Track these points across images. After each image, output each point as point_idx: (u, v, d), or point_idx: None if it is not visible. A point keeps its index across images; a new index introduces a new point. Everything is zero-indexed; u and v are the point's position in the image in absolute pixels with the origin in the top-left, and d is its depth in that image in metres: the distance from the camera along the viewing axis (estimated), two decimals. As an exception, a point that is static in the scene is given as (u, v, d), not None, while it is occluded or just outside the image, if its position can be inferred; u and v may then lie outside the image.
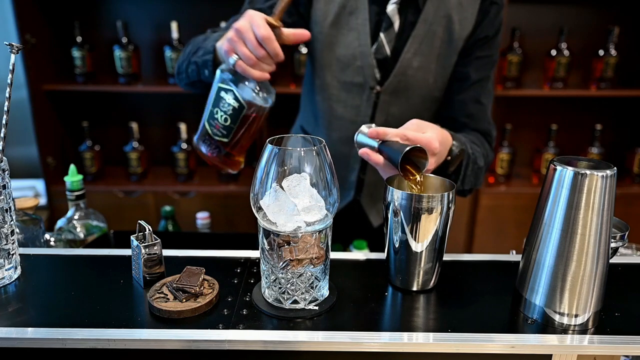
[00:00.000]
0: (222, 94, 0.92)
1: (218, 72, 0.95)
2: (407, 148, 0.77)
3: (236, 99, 0.91)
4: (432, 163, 0.86)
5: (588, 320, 0.67)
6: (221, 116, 0.93)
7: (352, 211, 1.35)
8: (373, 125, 0.90)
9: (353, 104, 1.21)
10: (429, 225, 0.71)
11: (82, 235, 1.07)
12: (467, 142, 1.05)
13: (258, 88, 0.93)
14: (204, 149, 1.00)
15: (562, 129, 2.47)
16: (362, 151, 0.87)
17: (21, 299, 0.72)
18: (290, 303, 0.70)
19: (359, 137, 0.90)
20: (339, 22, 1.14)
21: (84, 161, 2.36)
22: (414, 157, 0.81)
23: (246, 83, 0.92)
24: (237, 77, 0.92)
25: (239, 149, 0.99)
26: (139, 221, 0.76)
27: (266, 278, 0.71)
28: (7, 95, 0.74)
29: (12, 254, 0.76)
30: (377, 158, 0.85)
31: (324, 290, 0.72)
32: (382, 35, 1.13)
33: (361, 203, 1.34)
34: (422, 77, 1.16)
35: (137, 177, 2.40)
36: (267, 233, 0.67)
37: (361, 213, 1.35)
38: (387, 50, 1.15)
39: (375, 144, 0.86)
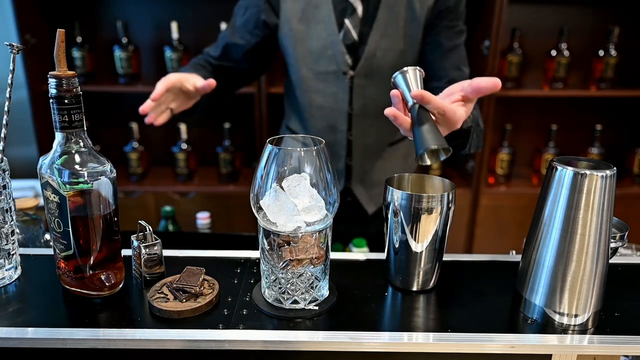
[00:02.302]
0: (43, 192, 0.70)
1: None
2: (434, 147, 0.71)
3: (54, 191, 0.68)
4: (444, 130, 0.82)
5: (588, 320, 0.67)
6: (55, 222, 0.70)
7: (345, 201, 1.37)
8: (419, 71, 0.77)
9: (330, 91, 1.26)
10: (429, 225, 0.72)
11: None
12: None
13: (78, 166, 0.68)
14: (64, 279, 0.74)
15: (562, 129, 2.47)
16: (390, 112, 0.76)
17: (21, 299, 0.72)
18: (290, 303, 0.70)
19: (398, 79, 0.77)
20: (306, 17, 1.22)
21: (84, 161, 2.36)
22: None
23: (61, 166, 0.68)
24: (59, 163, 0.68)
25: (94, 261, 0.71)
26: (139, 221, 0.76)
27: (266, 278, 0.71)
28: (7, 95, 0.74)
29: (12, 254, 0.76)
30: (404, 122, 0.76)
31: (324, 290, 0.72)
32: (347, 21, 1.21)
33: (353, 190, 1.36)
34: (392, 57, 1.22)
35: (137, 177, 2.40)
36: (267, 233, 0.67)
37: (355, 201, 1.37)
38: (354, 35, 1.21)
39: (410, 99, 0.76)
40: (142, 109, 1.05)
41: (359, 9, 1.20)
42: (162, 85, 1.05)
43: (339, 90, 1.25)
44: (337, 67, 1.23)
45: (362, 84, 1.24)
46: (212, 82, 1.09)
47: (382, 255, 0.80)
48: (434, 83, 1.26)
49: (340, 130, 1.30)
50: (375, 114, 1.28)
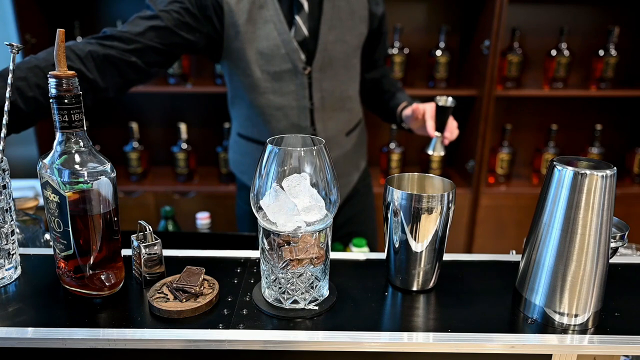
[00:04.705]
0: (43, 192, 0.69)
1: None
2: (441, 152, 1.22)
3: (54, 191, 0.67)
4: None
5: (588, 320, 0.67)
6: (55, 222, 0.69)
7: None
8: (450, 100, 1.18)
9: (288, 90, 1.26)
10: (429, 225, 0.72)
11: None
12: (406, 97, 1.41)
13: (78, 166, 0.67)
14: (64, 279, 0.73)
15: (562, 129, 2.47)
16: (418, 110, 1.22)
17: (21, 299, 0.72)
18: (290, 303, 0.70)
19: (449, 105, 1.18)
20: (253, 18, 1.20)
21: (84, 161, 2.36)
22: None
23: (61, 166, 0.67)
24: (59, 163, 0.67)
25: (95, 260, 0.71)
26: (139, 221, 0.76)
27: (266, 278, 0.71)
28: (7, 95, 0.74)
29: (12, 254, 0.76)
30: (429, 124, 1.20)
31: (324, 290, 0.72)
32: (297, 17, 1.22)
33: None
34: (341, 48, 1.28)
35: (137, 177, 2.40)
36: (267, 233, 0.67)
37: None
38: (305, 30, 1.23)
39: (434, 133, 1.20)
40: None
41: (305, 5, 1.22)
42: None
43: (298, 87, 1.26)
44: (293, 65, 1.23)
45: (319, 78, 1.27)
46: None
47: (382, 255, 0.80)
48: (366, 75, 1.46)
49: (304, 126, 1.31)
50: (332, 105, 1.32)
